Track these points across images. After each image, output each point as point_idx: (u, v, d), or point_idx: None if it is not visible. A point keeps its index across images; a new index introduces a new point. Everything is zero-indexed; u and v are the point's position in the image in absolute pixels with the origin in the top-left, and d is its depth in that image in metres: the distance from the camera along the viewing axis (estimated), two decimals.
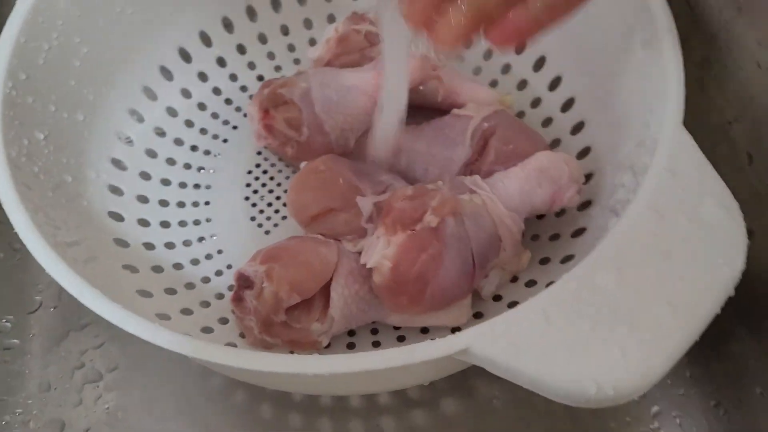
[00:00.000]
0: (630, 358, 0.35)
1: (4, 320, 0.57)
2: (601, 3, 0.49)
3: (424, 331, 0.52)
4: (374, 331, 0.53)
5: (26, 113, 0.47)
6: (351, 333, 0.52)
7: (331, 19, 0.69)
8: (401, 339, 0.52)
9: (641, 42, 0.48)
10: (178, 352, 0.47)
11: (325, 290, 0.48)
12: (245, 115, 0.64)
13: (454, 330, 0.48)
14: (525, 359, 0.35)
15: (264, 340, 0.48)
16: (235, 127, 0.65)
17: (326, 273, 0.48)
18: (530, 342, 0.36)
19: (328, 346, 0.50)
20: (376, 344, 0.51)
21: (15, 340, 0.57)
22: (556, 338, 0.36)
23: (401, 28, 0.43)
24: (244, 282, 0.49)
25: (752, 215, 0.41)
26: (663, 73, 0.44)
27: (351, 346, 0.51)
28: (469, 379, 0.54)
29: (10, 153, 0.44)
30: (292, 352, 0.48)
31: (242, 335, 0.50)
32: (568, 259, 0.51)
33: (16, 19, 0.49)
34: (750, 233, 0.39)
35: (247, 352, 0.37)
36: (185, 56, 0.64)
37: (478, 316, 0.51)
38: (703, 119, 0.51)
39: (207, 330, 0.50)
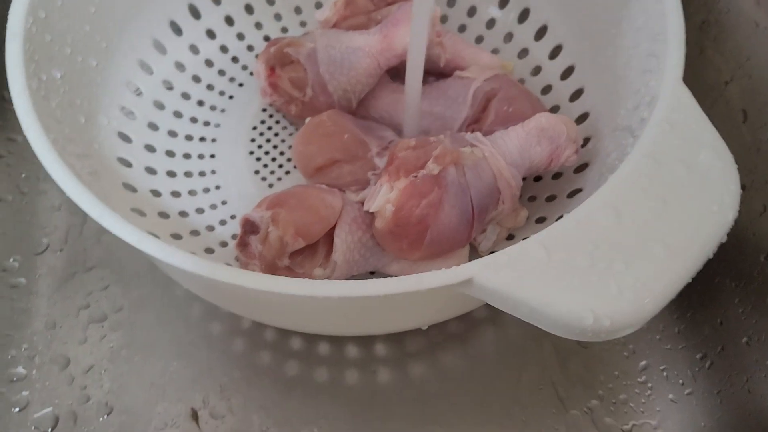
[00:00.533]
0: (626, 292, 0.36)
1: (11, 259, 0.58)
2: None
3: None
4: None
5: (44, 50, 0.48)
6: None
7: None
8: None
9: (642, 6, 0.49)
10: (185, 288, 0.48)
11: (329, 237, 0.49)
12: (251, 74, 0.66)
13: None
14: (526, 291, 0.37)
15: None
16: (240, 85, 0.66)
17: (331, 218, 0.49)
18: (531, 275, 0.37)
19: None
20: None
21: (22, 279, 0.57)
22: (556, 271, 0.37)
23: None
24: (249, 227, 0.49)
25: (745, 171, 0.43)
26: (664, 31, 0.45)
27: None
28: (464, 331, 0.55)
29: (31, 85, 0.45)
30: None
31: None
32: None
33: None
34: (742, 188, 0.41)
35: (257, 274, 0.38)
36: (194, 13, 0.65)
37: None
38: (701, 80, 0.53)
39: None
